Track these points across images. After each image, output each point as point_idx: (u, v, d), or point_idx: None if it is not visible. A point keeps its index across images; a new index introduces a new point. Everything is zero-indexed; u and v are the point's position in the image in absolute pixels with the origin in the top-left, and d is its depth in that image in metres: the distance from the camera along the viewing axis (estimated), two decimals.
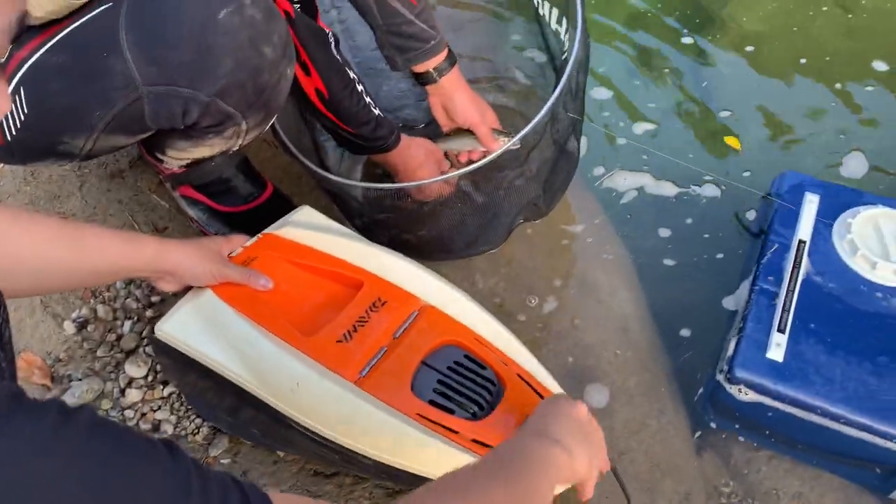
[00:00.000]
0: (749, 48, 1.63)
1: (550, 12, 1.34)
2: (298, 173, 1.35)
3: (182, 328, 0.92)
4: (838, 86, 1.55)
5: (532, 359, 0.96)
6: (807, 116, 1.50)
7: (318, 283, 1.00)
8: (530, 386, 0.92)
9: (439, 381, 0.90)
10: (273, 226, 1.04)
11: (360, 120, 1.16)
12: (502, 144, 1.12)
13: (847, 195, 1.15)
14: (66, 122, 0.93)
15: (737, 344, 1.00)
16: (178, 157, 1.07)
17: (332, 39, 1.12)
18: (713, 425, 1.10)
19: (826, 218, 1.11)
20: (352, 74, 1.15)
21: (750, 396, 0.98)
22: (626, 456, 1.08)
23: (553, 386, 0.94)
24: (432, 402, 0.88)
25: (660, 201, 1.38)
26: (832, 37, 1.64)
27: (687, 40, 1.66)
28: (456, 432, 0.85)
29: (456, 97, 1.22)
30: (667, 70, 1.60)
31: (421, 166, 1.22)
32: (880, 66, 1.58)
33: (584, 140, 1.37)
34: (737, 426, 1.08)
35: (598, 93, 1.55)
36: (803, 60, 1.60)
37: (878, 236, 1.08)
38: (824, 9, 1.69)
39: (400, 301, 0.96)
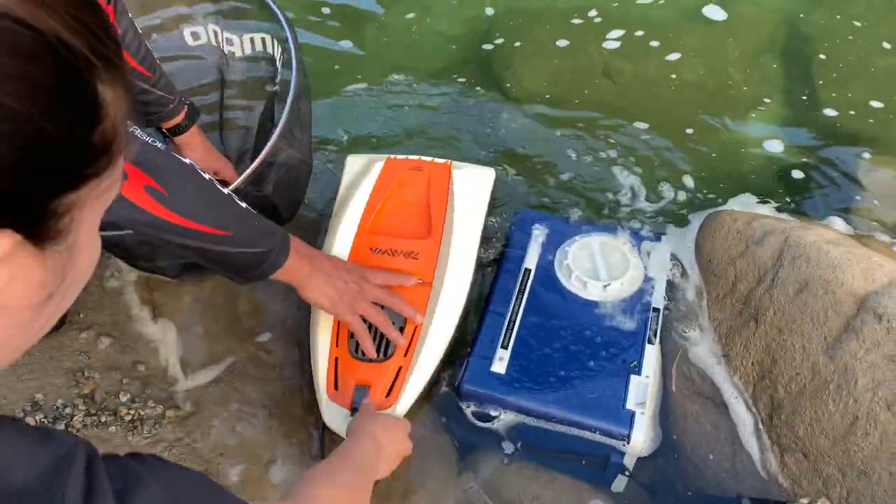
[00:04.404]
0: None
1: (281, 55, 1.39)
2: None
3: None
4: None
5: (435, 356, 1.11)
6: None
7: (412, 209, 1.25)
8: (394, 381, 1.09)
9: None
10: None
11: None
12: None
13: (569, 227, 1.30)
14: None
15: (466, 362, 1.10)
16: None
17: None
18: (469, 440, 1.17)
19: (551, 247, 1.26)
20: None
21: (477, 409, 1.07)
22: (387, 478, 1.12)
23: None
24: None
25: None
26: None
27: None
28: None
29: (188, 155, 1.28)
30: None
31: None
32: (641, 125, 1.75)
33: None
34: (487, 437, 1.16)
35: None
36: None
37: (591, 259, 1.23)
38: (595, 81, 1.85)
39: (423, 265, 1.16)
